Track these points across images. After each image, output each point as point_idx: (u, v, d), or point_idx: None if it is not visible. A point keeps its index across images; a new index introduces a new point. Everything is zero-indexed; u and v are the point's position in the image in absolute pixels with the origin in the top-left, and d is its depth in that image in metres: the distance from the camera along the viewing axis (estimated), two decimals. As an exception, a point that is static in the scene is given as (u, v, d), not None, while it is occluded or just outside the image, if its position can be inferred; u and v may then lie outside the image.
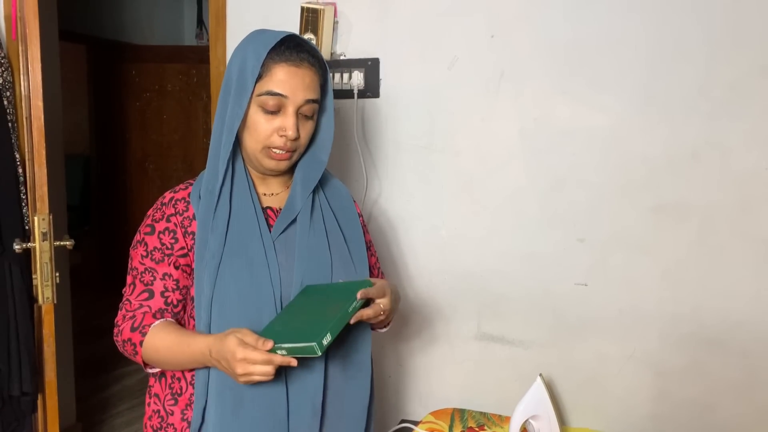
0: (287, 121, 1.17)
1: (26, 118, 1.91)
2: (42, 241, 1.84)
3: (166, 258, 1.20)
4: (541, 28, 1.75)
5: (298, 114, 1.19)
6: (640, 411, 1.77)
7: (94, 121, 5.21)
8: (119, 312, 1.21)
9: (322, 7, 1.85)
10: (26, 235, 1.93)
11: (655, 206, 1.70)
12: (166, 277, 1.19)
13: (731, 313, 1.67)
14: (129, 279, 1.23)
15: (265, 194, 1.28)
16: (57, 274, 1.89)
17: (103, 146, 5.22)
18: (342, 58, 1.93)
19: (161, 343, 1.15)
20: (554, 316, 1.83)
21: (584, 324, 1.80)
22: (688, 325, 1.70)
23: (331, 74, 1.31)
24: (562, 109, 1.75)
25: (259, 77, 1.16)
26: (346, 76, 1.91)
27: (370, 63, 1.90)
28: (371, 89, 1.91)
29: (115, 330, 1.20)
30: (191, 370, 1.21)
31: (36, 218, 1.84)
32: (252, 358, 1.03)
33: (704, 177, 1.66)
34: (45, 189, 1.88)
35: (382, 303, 1.18)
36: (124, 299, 1.22)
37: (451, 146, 1.88)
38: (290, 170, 1.31)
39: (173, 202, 1.23)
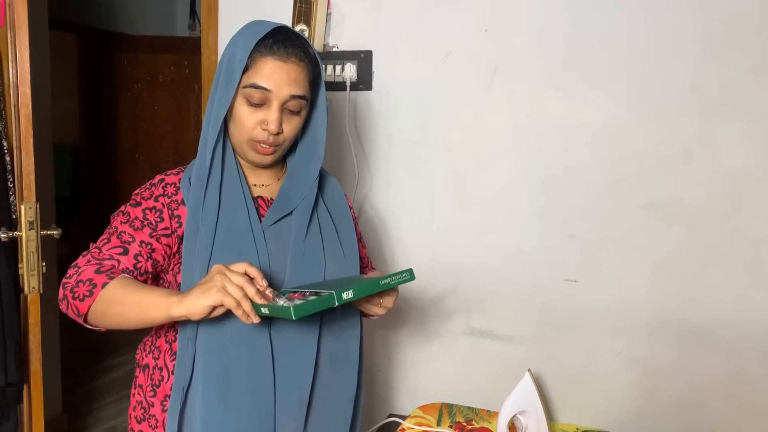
0: (270, 116, 1.17)
1: (14, 105, 1.89)
2: (28, 230, 1.82)
3: (146, 228, 1.17)
4: (535, 24, 1.75)
5: (283, 109, 1.19)
6: (627, 407, 1.78)
7: (85, 110, 5.16)
8: (81, 257, 1.15)
9: (315, -2, 1.84)
10: (13, 224, 1.91)
11: (646, 203, 1.70)
12: (143, 245, 1.16)
13: (720, 311, 1.67)
14: (105, 235, 1.19)
15: (255, 185, 1.28)
16: (44, 264, 1.87)
17: (94, 136, 5.18)
18: (335, 49, 1.92)
19: (129, 284, 1.08)
20: (544, 312, 1.83)
21: (573, 320, 1.80)
22: (677, 322, 1.71)
23: (323, 68, 1.28)
24: (555, 105, 1.75)
25: (246, 69, 1.17)
26: (338, 68, 1.90)
27: (362, 55, 1.89)
28: (364, 82, 1.90)
29: (71, 271, 1.13)
30: (156, 337, 1.20)
31: (23, 207, 1.82)
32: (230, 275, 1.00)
33: (695, 175, 1.66)
34: (32, 177, 1.86)
35: (384, 301, 1.24)
36: (92, 248, 1.17)
37: (443, 140, 1.87)
38: (280, 162, 1.31)
39: (163, 184, 1.23)
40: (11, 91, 1.91)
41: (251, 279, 1.03)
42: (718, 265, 1.67)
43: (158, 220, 1.19)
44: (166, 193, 1.21)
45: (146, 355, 1.27)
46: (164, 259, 1.20)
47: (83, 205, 5.36)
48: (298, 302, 1.00)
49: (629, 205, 1.72)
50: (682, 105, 1.65)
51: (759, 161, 1.61)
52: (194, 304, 1.00)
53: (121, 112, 5.12)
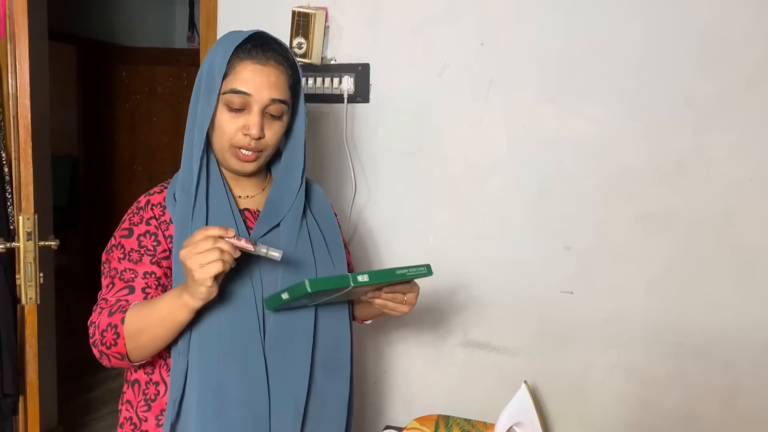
0: (251, 120, 1.16)
1: (13, 116, 1.90)
2: (26, 240, 1.82)
3: (145, 257, 1.16)
4: (530, 37, 1.76)
5: (265, 113, 1.17)
6: (624, 419, 1.78)
7: (83, 121, 5.18)
8: (93, 313, 1.15)
9: (313, 11, 1.86)
10: (11, 235, 1.91)
11: (640, 215, 1.71)
12: (147, 276, 1.16)
13: (715, 323, 1.68)
14: (106, 281, 1.18)
15: (240, 196, 1.27)
16: (41, 275, 1.87)
17: (92, 147, 5.20)
18: (332, 62, 1.94)
19: (142, 309, 1.09)
20: (540, 324, 1.83)
21: (570, 331, 1.80)
22: (673, 333, 1.71)
23: (308, 78, 1.24)
24: (550, 118, 1.76)
25: (225, 75, 1.16)
26: (336, 80, 1.91)
27: (360, 68, 1.91)
28: (361, 94, 1.91)
29: (91, 330, 1.13)
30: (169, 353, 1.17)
31: (21, 218, 1.82)
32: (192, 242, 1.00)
33: (690, 187, 1.67)
34: (30, 188, 1.86)
35: (408, 297, 1.26)
36: (99, 299, 1.17)
37: (439, 152, 1.88)
38: (264, 171, 1.30)
39: (150, 206, 1.21)
40: (10, 103, 1.92)
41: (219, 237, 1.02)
42: (713, 276, 1.67)
43: (155, 243, 1.17)
44: (155, 214, 1.20)
45: (135, 371, 1.23)
46: (169, 281, 1.19)
47: (80, 215, 5.36)
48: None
49: (624, 216, 1.73)
50: (676, 118, 1.66)
51: (753, 173, 1.62)
52: (199, 291, 1.01)
53: (119, 123, 5.14)
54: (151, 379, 1.20)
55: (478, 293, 1.88)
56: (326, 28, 1.92)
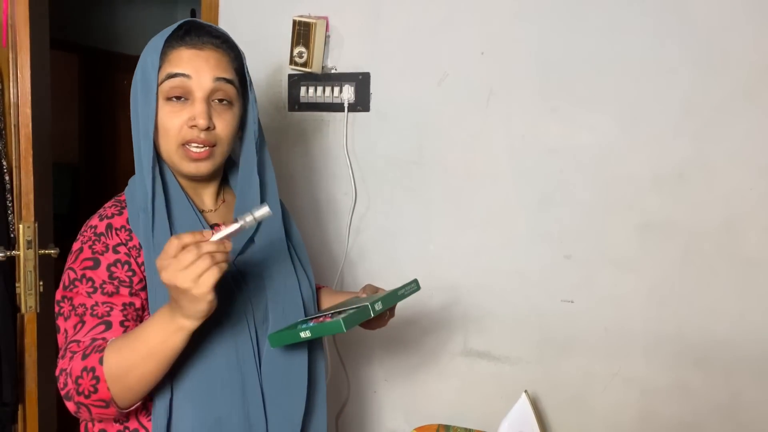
0: (196, 109, 1.03)
1: (14, 125, 1.91)
2: (26, 249, 1.82)
3: (122, 288, 1.00)
4: (530, 47, 1.77)
5: (211, 101, 1.05)
6: (624, 430, 1.77)
7: (85, 130, 5.20)
8: (62, 360, 0.95)
9: (314, 20, 1.86)
10: (11, 243, 1.91)
11: (641, 224, 1.71)
12: (126, 307, 1.00)
13: (716, 333, 1.67)
14: (72, 321, 0.99)
15: (203, 211, 1.15)
16: (41, 283, 1.88)
17: (93, 156, 5.21)
18: (333, 71, 1.94)
19: (124, 344, 0.92)
20: (540, 333, 1.83)
21: (570, 341, 1.80)
22: (673, 344, 1.71)
23: (246, 59, 1.11)
24: (550, 127, 1.77)
25: (160, 68, 1.04)
26: (336, 89, 1.92)
27: (360, 77, 1.91)
28: (361, 103, 1.92)
29: (61, 380, 0.94)
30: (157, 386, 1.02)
31: (21, 226, 1.82)
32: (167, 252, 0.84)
33: (690, 197, 1.67)
34: (31, 197, 1.87)
35: (390, 312, 1.27)
36: (68, 343, 0.97)
37: (439, 161, 1.88)
38: (217, 181, 1.18)
39: (113, 230, 1.06)
40: (12, 111, 1.93)
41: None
42: (714, 285, 1.67)
43: (130, 273, 1.02)
44: (121, 240, 1.04)
45: (99, 420, 1.06)
46: (146, 312, 1.04)
47: (81, 224, 5.37)
48: (342, 315, 1.01)
49: (625, 226, 1.73)
50: (676, 127, 1.66)
51: (753, 182, 1.62)
52: (199, 310, 0.87)
53: (121, 132, 5.15)
54: (127, 428, 1.05)
55: (478, 302, 1.88)
56: (327, 37, 1.93)
